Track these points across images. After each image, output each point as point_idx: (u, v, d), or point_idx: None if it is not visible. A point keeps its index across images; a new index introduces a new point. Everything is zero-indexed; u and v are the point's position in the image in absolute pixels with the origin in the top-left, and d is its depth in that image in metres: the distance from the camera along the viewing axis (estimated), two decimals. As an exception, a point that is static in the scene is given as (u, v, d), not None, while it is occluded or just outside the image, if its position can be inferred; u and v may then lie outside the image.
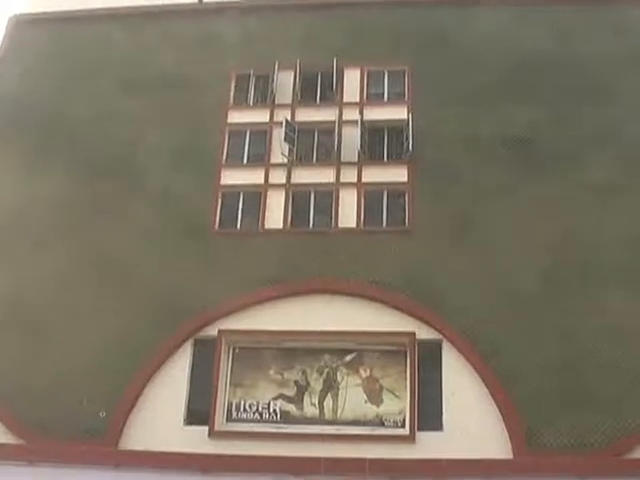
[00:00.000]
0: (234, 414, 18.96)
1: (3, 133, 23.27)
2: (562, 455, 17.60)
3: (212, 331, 19.51)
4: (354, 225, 20.72)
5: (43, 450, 18.37)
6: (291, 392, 19.04)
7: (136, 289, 20.16)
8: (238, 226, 21.20)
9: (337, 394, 18.92)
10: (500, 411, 18.20)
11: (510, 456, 17.84)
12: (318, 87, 23.32)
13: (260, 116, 22.87)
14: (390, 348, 19.15)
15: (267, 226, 20.95)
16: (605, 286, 19.24)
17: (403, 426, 18.44)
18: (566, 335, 18.81)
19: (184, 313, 19.58)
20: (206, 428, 18.57)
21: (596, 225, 19.99)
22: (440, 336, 18.99)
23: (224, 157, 22.26)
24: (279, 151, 21.92)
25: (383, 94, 23.13)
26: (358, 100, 22.83)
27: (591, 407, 18.19)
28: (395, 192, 21.16)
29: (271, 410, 18.91)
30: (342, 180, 21.38)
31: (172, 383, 19.15)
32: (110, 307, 19.96)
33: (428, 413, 18.44)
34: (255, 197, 21.38)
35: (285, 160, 21.82)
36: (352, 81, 23.20)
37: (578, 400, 18.27)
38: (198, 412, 18.88)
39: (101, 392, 19.05)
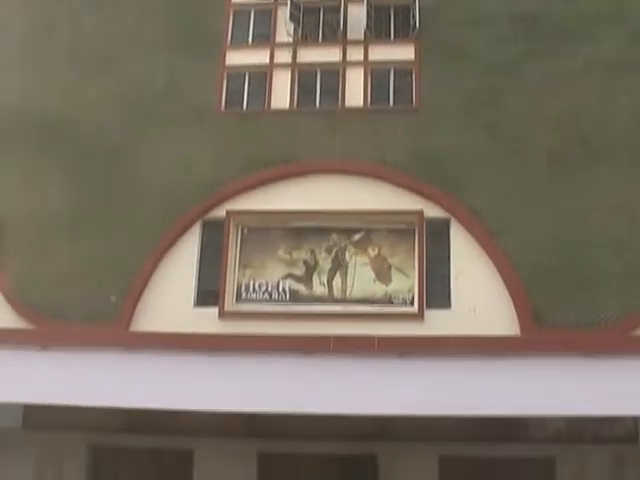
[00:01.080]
0: (243, 295, 19.10)
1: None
2: (569, 332, 17.71)
3: (220, 213, 19.50)
4: (361, 104, 20.47)
5: (55, 335, 18.57)
6: (300, 272, 19.14)
7: (143, 173, 20.07)
8: (244, 107, 20.98)
9: (346, 273, 19.02)
10: (508, 289, 18.25)
11: (517, 333, 18.01)
12: (323, -36, 22.87)
13: (264, -5, 22.48)
14: (398, 227, 19.16)
15: (273, 106, 20.72)
16: (614, 164, 19.09)
17: (412, 304, 18.56)
18: (574, 213, 18.76)
19: (191, 195, 19.52)
20: (216, 309, 18.74)
21: (605, 102, 19.73)
22: (448, 214, 18.98)
23: (229, 38, 21.90)
24: (284, 30, 21.59)
25: (388, -30, 22.64)
26: (363, -23, 22.35)
27: (599, 285, 18.25)
28: (402, 71, 20.83)
29: (280, 290, 19.04)
30: (348, 59, 21.04)
31: (181, 266, 19.25)
32: (118, 191, 19.94)
33: (436, 291, 18.56)
34: (261, 77, 21.08)
35: (290, 40, 21.52)
36: (357, -42, 22.72)
37: (586, 278, 18.32)
38: (208, 293, 19.03)
39: (111, 276, 19.18)
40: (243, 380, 16.71)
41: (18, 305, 19.23)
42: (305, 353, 17.24)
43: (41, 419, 18.81)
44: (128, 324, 18.79)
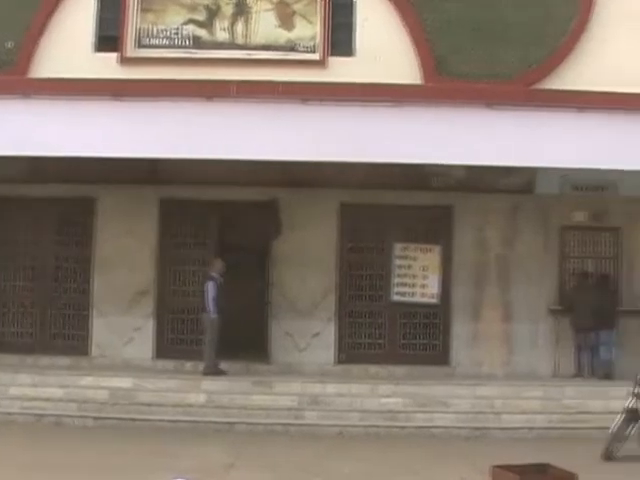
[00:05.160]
0: (144, 40, 18.59)
1: None
2: (471, 83, 17.71)
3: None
4: None
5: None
6: (202, 17, 18.58)
7: None
8: None
9: (249, 19, 18.62)
10: (412, 38, 18.20)
11: (420, 82, 18.07)
12: None
13: None
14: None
15: None
16: None
17: (315, 51, 18.42)
18: (481, -37, 18.50)
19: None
20: (116, 55, 18.35)
21: None
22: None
23: None
24: None
25: None
26: None
27: (503, 37, 18.23)
28: None
29: (182, 35, 18.53)
30: None
31: (79, 10, 18.55)
32: None
33: (340, 39, 18.44)
34: None
35: None
36: None
37: (490, 30, 18.29)
38: (108, 38, 18.55)
39: (5, 22, 18.47)
40: (146, 126, 16.46)
41: None
42: (207, 98, 16.97)
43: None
44: (26, 71, 18.29)
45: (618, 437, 13.61)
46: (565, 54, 18.53)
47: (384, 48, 18.16)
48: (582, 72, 18.23)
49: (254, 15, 18.61)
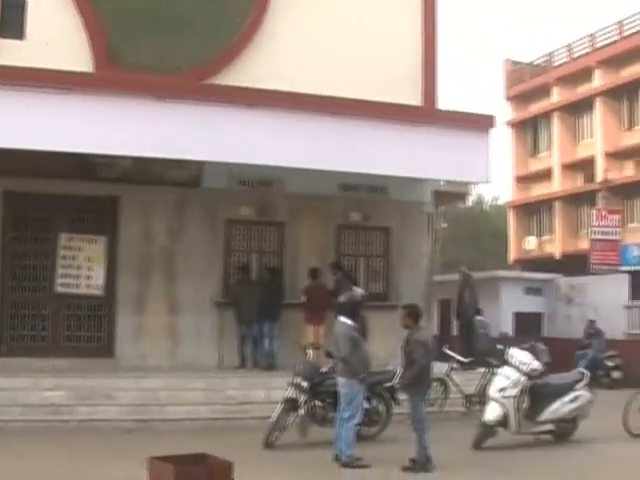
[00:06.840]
0: None
1: None
2: (144, 74, 17.52)
3: None
4: None
5: None
6: None
7: None
8: None
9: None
10: (84, 24, 17.97)
11: (92, 71, 17.79)
12: None
13: None
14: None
15: None
16: None
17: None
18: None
19: None
20: None
21: None
22: None
23: None
24: None
25: None
26: None
27: (177, 30, 18.55)
28: None
29: None
30: None
31: None
32: None
33: (11, 20, 17.84)
34: None
35: None
36: None
37: (164, 21, 18.53)
38: None
39: None
40: None
41: None
42: None
43: None
44: None
45: (278, 426, 14.16)
46: (238, 51, 19.11)
47: (57, 33, 17.75)
48: (254, 69, 18.83)
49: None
